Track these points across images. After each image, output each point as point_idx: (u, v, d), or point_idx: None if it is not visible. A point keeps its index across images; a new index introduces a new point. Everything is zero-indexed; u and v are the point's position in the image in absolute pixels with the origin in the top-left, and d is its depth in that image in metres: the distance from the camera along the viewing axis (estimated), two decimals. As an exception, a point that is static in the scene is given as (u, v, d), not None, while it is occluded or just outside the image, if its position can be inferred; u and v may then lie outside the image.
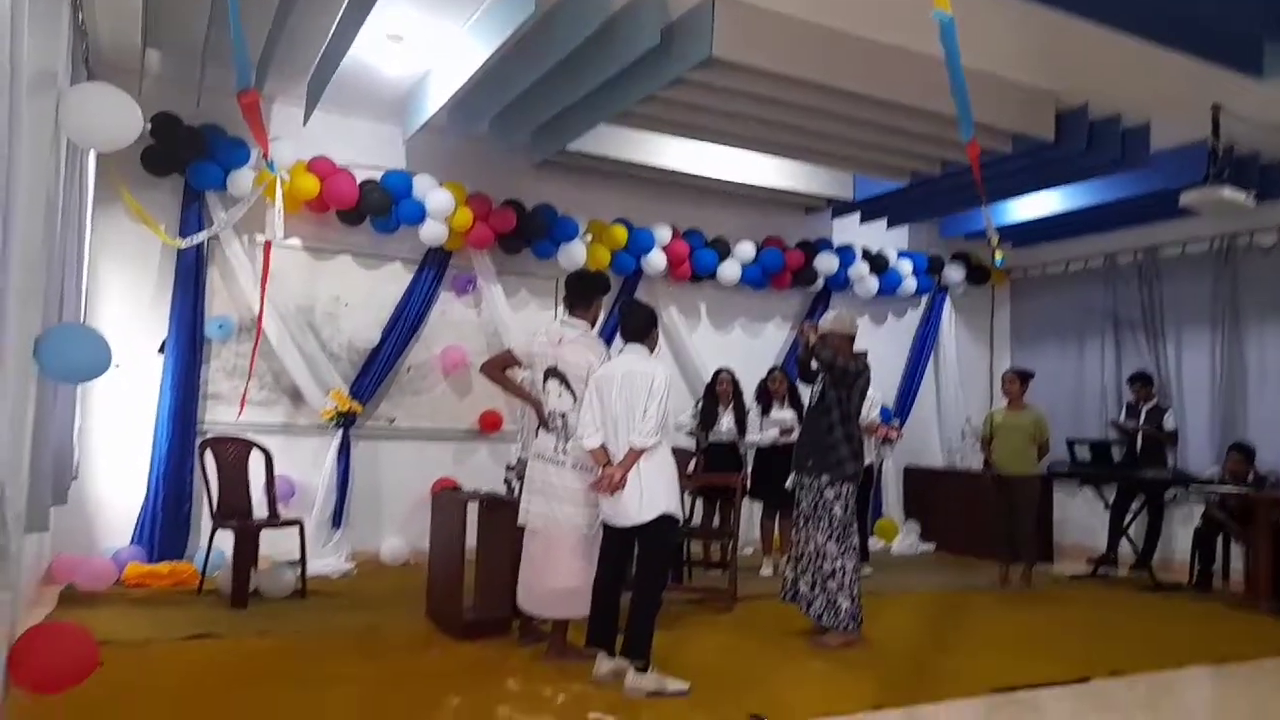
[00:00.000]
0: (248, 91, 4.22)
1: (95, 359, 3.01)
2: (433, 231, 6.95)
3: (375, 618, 5.19)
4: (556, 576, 4.28)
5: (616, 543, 4.16)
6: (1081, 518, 8.54)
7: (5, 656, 2.75)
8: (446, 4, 5.30)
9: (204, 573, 5.71)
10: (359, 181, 6.75)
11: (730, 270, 8.28)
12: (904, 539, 8.71)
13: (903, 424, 9.07)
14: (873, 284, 8.96)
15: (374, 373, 7.04)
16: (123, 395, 6.18)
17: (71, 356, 2.99)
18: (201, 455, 5.86)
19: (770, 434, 6.98)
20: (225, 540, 5.57)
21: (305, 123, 6.33)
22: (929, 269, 9.37)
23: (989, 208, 6.54)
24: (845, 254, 8.79)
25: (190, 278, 6.43)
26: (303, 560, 5.72)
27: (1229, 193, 6.15)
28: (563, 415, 4.39)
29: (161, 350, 6.36)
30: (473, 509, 4.92)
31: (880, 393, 7.77)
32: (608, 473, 4.04)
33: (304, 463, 6.73)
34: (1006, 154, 6.39)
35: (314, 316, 6.96)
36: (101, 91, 3.24)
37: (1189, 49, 4.98)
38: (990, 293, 10.08)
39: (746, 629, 5.22)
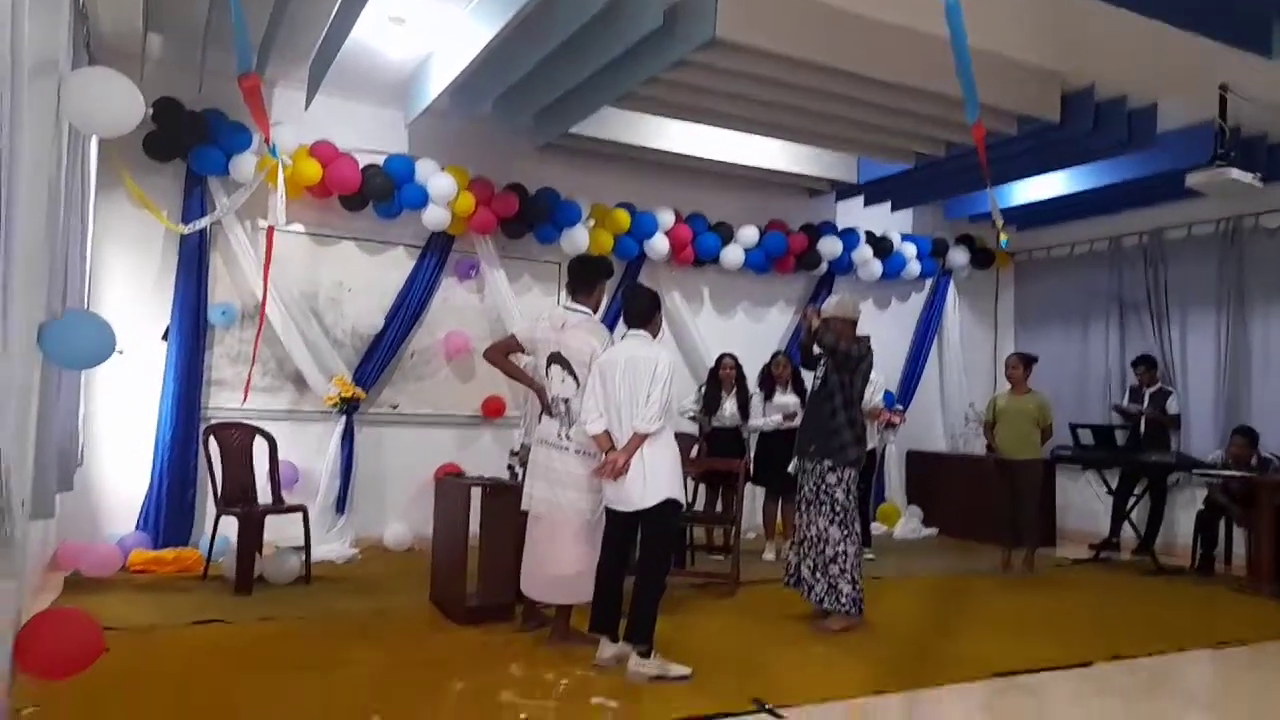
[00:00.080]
0: (249, 75, 4.20)
1: (99, 345, 3.01)
2: (435, 216, 6.94)
3: (379, 603, 5.22)
4: (560, 562, 4.29)
5: (620, 528, 4.17)
6: (1083, 502, 8.55)
7: (12, 643, 2.77)
8: (448, -15, 5.27)
9: (209, 558, 5.73)
10: (361, 166, 6.73)
11: (733, 254, 8.26)
12: (906, 524, 8.72)
13: (906, 408, 9.06)
14: (876, 267, 8.93)
15: (377, 359, 7.04)
16: (127, 381, 6.19)
17: (76, 343, 2.99)
18: (205, 441, 5.87)
19: (773, 419, 6.98)
20: (230, 526, 5.59)
21: (307, 107, 6.30)
22: (933, 252, 9.34)
23: (994, 190, 6.50)
24: (849, 237, 8.76)
25: (193, 263, 6.42)
26: (307, 546, 5.74)
27: (1236, 174, 6.11)
28: (566, 401, 4.39)
29: (165, 337, 6.36)
30: (476, 494, 4.93)
31: (884, 377, 7.77)
32: (611, 458, 4.04)
33: (308, 449, 6.74)
34: (1012, 135, 6.35)
35: (317, 302, 6.96)
36: (103, 76, 3.22)
37: (1197, 28, 4.93)
38: (995, 276, 10.05)
39: (749, 614, 5.23)
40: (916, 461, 9.26)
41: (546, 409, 4.47)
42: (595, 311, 4.60)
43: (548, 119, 6.72)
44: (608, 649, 4.05)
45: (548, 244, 7.57)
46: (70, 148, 4.03)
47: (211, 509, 5.86)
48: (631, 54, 5.33)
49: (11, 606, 2.89)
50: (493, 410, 7.44)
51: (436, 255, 7.26)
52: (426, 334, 7.32)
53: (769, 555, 7.01)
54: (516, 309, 7.38)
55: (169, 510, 6.23)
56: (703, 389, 7.26)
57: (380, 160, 6.87)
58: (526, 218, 7.36)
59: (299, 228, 6.85)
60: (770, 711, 3.57)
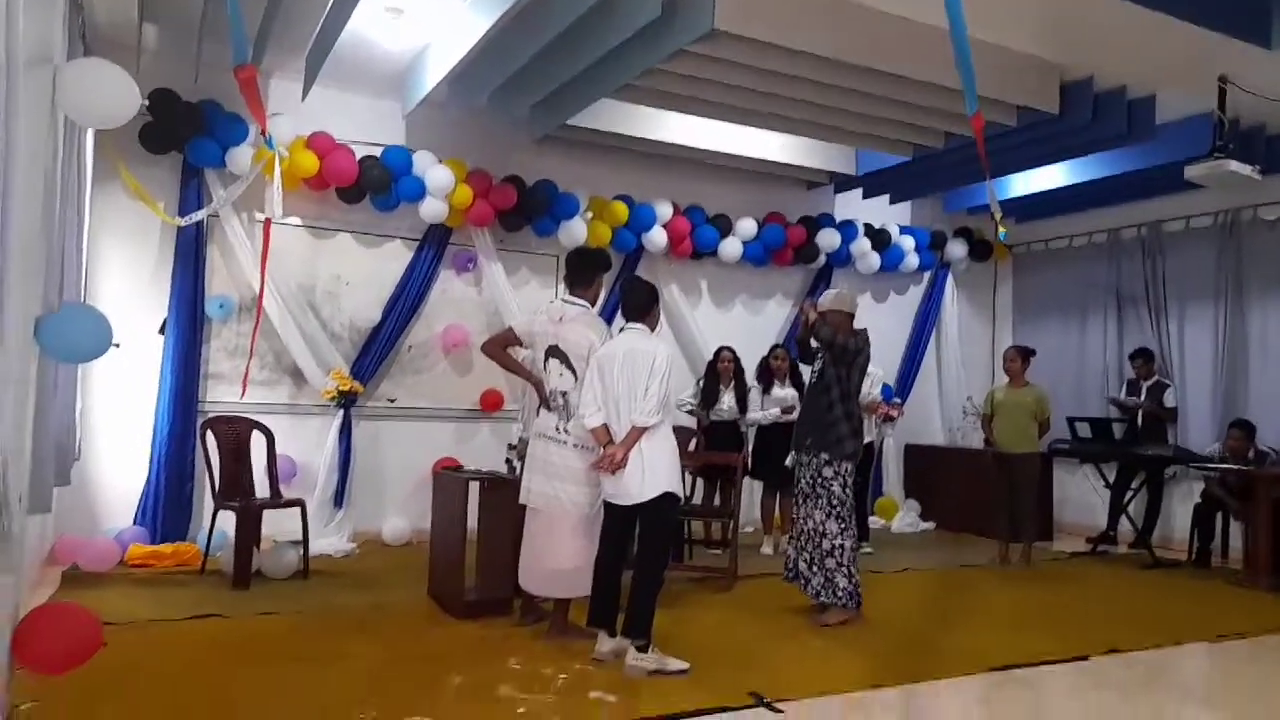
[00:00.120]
0: (245, 67, 4.16)
1: (96, 339, 2.99)
2: (433, 209, 6.91)
3: (377, 597, 5.22)
4: (558, 556, 4.29)
5: (618, 521, 4.17)
6: (1081, 495, 8.56)
7: (9, 637, 2.76)
8: (445, -24, 5.25)
9: (206, 553, 5.73)
10: (358, 158, 6.71)
11: (732, 247, 8.24)
12: (904, 517, 8.73)
13: (904, 401, 9.07)
14: (875, 260, 8.92)
15: (375, 352, 7.03)
16: (123, 375, 6.17)
17: (73, 336, 2.98)
18: (203, 435, 5.85)
19: (771, 412, 6.98)
20: (227, 521, 5.58)
21: (304, 98, 6.26)
22: (931, 245, 9.34)
23: (992, 182, 6.49)
24: (847, 230, 8.75)
25: (190, 256, 6.40)
26: (305, 540, 5.73)
27: (1235, 166, 6.10)
28: (564, 394, 4.38)
29: (162, 331, 6.34)
30: (474, 489, 4.92)
31: (882, 370, 7.77)
32: (609, 452, 4.04)
33: (306, 442, 6.73)
34: (1010, 127, 6.34)
35: (314, 295, 6.94)
36: (98, 67, 3.20)
37: (1196, 18, 4.92)
38: (993, 268, 10.05)
39: (747, 608, 5.24)
40: (914, 455, 9.26)
41: (544, 402, 4.47)
42: (593, 304, 4.59)
43: (545, 111, 6.70)
44: (606, 643, 4.05)
45: (546, 236, 7.55)
46: (66, 139, 4.01)
47: (209, 503, 5.86)
48: (629, 45, 5.31)
49: (9, 601, 2.88)
50: (491, 404, 7.43)
51: (434, 248, 7.24)
52: (424, 327, 7.30)
53: (767, 549, 7.01)
54: (514, 302, 7.37)
55: (167, 505, 6.22)
56: (701, 383, 7.25)
57: (377, 152, 6.85)
58: (524, 210, 7.34)
59: (296, 220, 6.83)
60: (768, 705, 3.57)
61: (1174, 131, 6.75)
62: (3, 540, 2.55)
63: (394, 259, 7.19)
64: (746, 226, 8.28)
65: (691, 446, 6.79)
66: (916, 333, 9.56)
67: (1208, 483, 7.22)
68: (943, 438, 9.57)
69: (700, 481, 6.96)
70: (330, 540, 6.53)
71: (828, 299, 5.18)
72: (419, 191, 6.85)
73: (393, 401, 7.20)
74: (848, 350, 4.93)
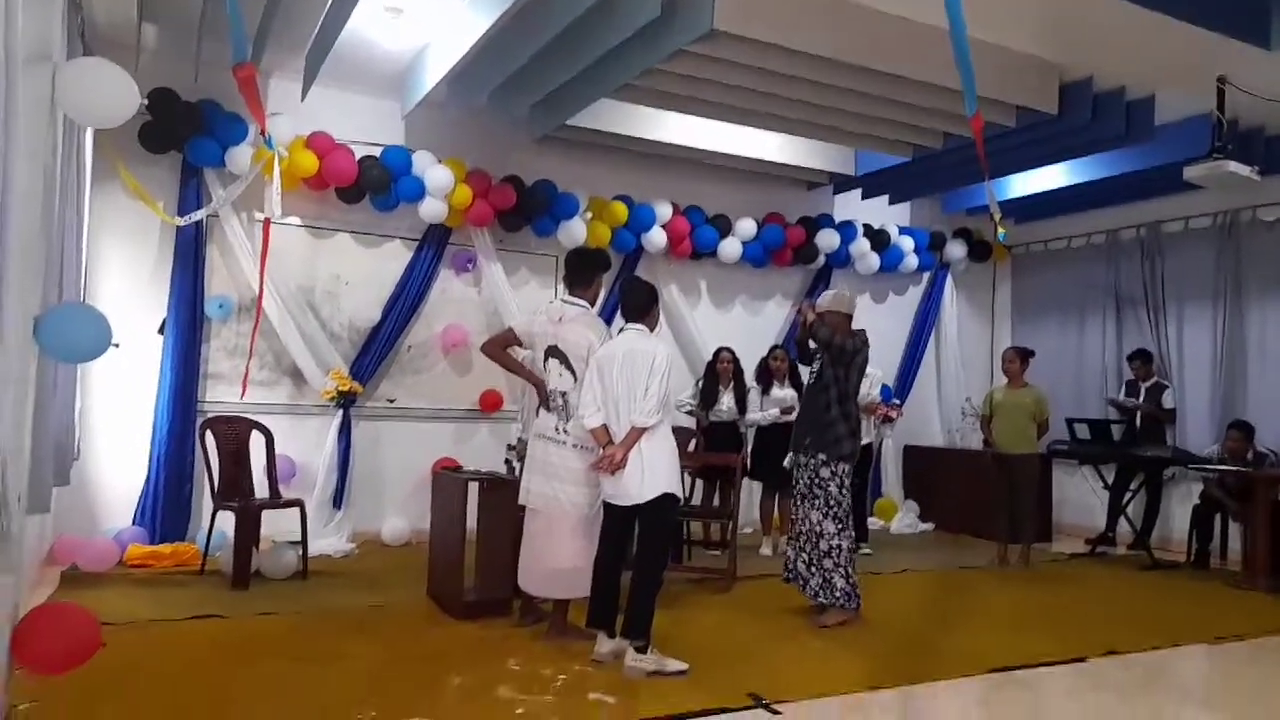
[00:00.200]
0: (244, 66, 4.17)
1: (96, 338, 2.99)
2: (432, 209, 6.91)
3: (377, 598, 5.21)
4: (557, 556, 4.28)
5: (617, 522, 4.17)
6: (1080, 497, 8.56)
7: (9, 638, 2.76)
8: (445, -24, 5.25)
9: (206, 553, 5.72)
10: (358, 158, 6.70)
11: (731, 247, 8.24)
12: (903, 518, 8.73)
13: (903, 402, 9.07)
14: (874, 261, 8.92)
15: (374, 352, 7.02)
16: (123, 375, 6.17)
17: (72, 336, 2.97)
18: (202, 435, 5.85)
19: (771, 413, 6.97)
20: (226, 521, 5.57)
21: (304, 98, 6.26)
22: (931, 245, 9.34)
23: (992, 183, 6.50)
24: (847, 230, 8.75)
25: (189, 256, 6.39)
26: (304, 541, 5.73)
27: (1234, 167, 6.11)
28: (563, 394, 4.38)
29: (161, 331, 6.34)
30: (473, 489, 4.91)
31: (881, 371, 7.77)
32: (609, 452, 4.03)
33: (305, 443, 6.73)
34: (1010, 128, 6.34)
35: (314, 296, 6.94)
36: (97, 67, 3.20)
37: (1195, 19, 4.92)
38: (992, 269, 10.05)
39: (745, 609, 5.23)
40: (913, 456, 9.26)
41: (544, 403, 4.46)
42: (593, 304, 4.59)
43: (545, 111, 6.70)
44: (605, 644, 4.05)
45: (545, 237, 7.55)
46: (65, 139, 4.01)
47: (208, 504, 5.85)
48: (629, 45, 5.31)
49: (8, 601, 2.88)
50: (490, 404, 7.43)
51: (433, 248, 7.24)
52: (424, 327, 7.30)
53: (766, 550, 7.01)
54: (514, 302, 7.36)
55: (166, 505, 6.22)
56: (700, 383, 7.25)
57: (377, 152, 6.85)
58: (524, 210, 7.33)
59: (295, 220, 6.83)
60: (767, 707, 3.57)
61: (1173, 132, 6.75)
62: (2, 540, 2.55)
63: (393, 259, 7.19)
64: (746, 227, 8.28)
65: (691, 447, 6.79)
66: (915, 333, 9.57)
67: (1206, 484, 7.22)
68: (942, 439, 9.57)
69: (699, 482, 6.96)
70: (329, 541, 6.52)
71: (826, 300, 5.18)
72: (418, 191, 6.85)
73: (392, 402, 7.20)
74: (846, 351, 4.93)
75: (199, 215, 6.30)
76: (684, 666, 3.93)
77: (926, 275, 9.62)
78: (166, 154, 6.32)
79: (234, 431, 5.94)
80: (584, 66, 5.68)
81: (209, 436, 5.81)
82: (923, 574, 6.62)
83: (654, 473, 4.04)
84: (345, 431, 6.84)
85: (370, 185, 6.76)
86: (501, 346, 4.73)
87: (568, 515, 4.29)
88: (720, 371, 7.07)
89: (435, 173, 6.83)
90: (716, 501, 6.96)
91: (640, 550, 4.14)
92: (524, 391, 6.95)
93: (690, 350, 8.18)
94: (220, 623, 4.60)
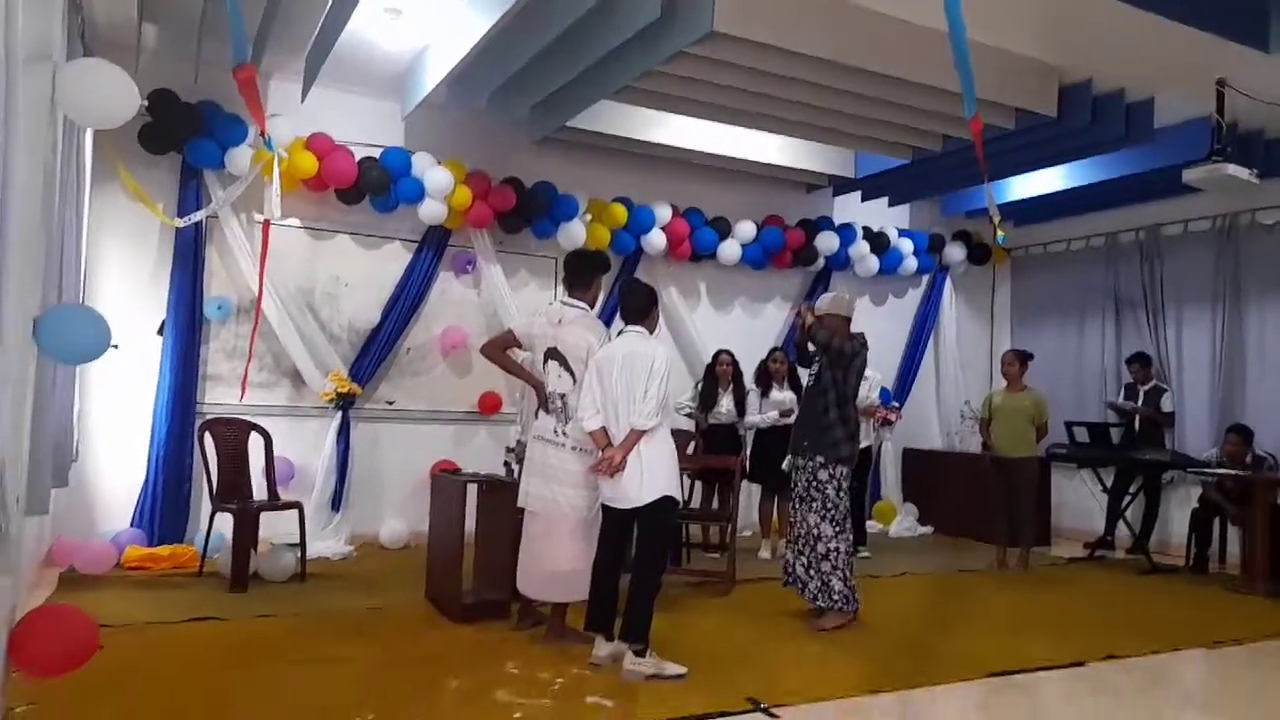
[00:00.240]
0: (244, 67, 4.17)
1: (95, 339, 2.99)
2: (432, 210, 6.91)
3: (374, 600, 5.20)
4: (556, 559, 4.28)
5: (616, 525, 4.16)
6: (1078, 500, 8.56)
7: (6, 639, 2.75)
8: (445, -23, 5.25)
9: (204, 555, 5.71)
10: (357, 159, 6.70)
11: (730, 250, 8.24)
12: (902, 521, 8.72)
13: (902, 405, 9.07)
14: (873, 263, 8.93)
15: (373, 354, 7.02)
16: (122, 376, 6.16)
17: (71, 337, 2.97)
18: (201, 437, 5.84)
19: (770, 415, 6.97)
20: (225, 523, 5.57)
21: (303, 99, 6.26)
22: (930, 248, 9.34)
23: (991, 185, 6.50)
24: (846, 233, 8.75)
25: (189, 257, 6.39)
26: (302, 543, 5.72)
27: (1233, 170, 6.12)
28: (562, 396, 4.38)
29: (160, 332, 6.33)
30: (472, 491, 4.91)
31: (880, 373, 7.76)
32: (608, 455, 4.03)
33: (304, 445, 6.72)
34: (1009, 130, 6.34)
35: (313, 297, 6.93)
36: (97, 67, 3.20)
37: (1194, 21, 4.92)
38: (991, 272, 10.05)
39: (744, 612, 5.23)
40: (912, 459, 9.26)
41: (543, 405, 4.46)
42: (592, 306, 4.59)
43: (545, 112, 6.71)
44: (603, 647, 4.05)
45: (545, 238, 7.55)
46: (65, 139, 4.00)
47: (207, 505, 5.83)
48: (629, 47, 5.31)
49: (6, 603, 2.88)
50: (489, 406, 7.42)
51: (433, 249, 7.24)
52: (423, 329, 7.29)
53: (764, 553, 7.01)
54: (513, 304, 7.36)
55: (164, 507, 6.21)
56: (699, 385, 7.25)
57: (376, 153, 6.84)
58: (523, 212, 7.33)
59: (295, 221, 6.82)
60: (765, 710, 3.56)
61: (1172, 135, 6.76)
62: (0, 542, 2.54)
63: (393, 260, 7.19)
64: (745, 229, 8.28)
65: (690, 449, 6.79)
66: (915, 336, 9.57)
67: (1205, 488, 7.22)
68: (940, 442, 9.57)
69: (698, 485, 6.95)
70: (328, 543, 6.52)
71: (824, 302, 5.18)
72: (418, 193, 6.85)
73: (391, 404, 7.19)
74: (844, 354, 4.93)
75: (198, 216, 6.29)
76: (682, 670, 3.92)
77: (926, 278, 9.63)
78: (166, 155, 6.32)
79: (233, 433, 5.93)
80: (584, 68, 5.69)
81: (208, 438, 5.80)
82: (921, 577, 6.62)
83: (653, 475, 4.03)
84: (344, 433, 6.83)
85: (370, 187, 6.76)
86: (501, 348, 4.72)
87: (566, 518, 4.28)
88: (719, 374, 7.06)
89: (435, 174, 6.83)
90: (715, 504, 6.95)
91: (639, 553, 4.13)
92: (523, 394, 6.94)
93: (689, 352, 8.18)
94: (218, 625, 4.59)
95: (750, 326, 8.63)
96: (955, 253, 9.48)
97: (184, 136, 6.24)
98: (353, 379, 6.82)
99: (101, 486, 6.18)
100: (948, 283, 9.66)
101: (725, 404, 7.02)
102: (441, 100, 6.60)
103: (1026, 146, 6.91)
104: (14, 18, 2.43)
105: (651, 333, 4.33)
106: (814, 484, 4.95)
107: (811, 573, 4.94)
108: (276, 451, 6.07)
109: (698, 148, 7.50)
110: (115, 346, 3.18)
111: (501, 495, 4.79)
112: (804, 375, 5.59)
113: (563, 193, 7.47)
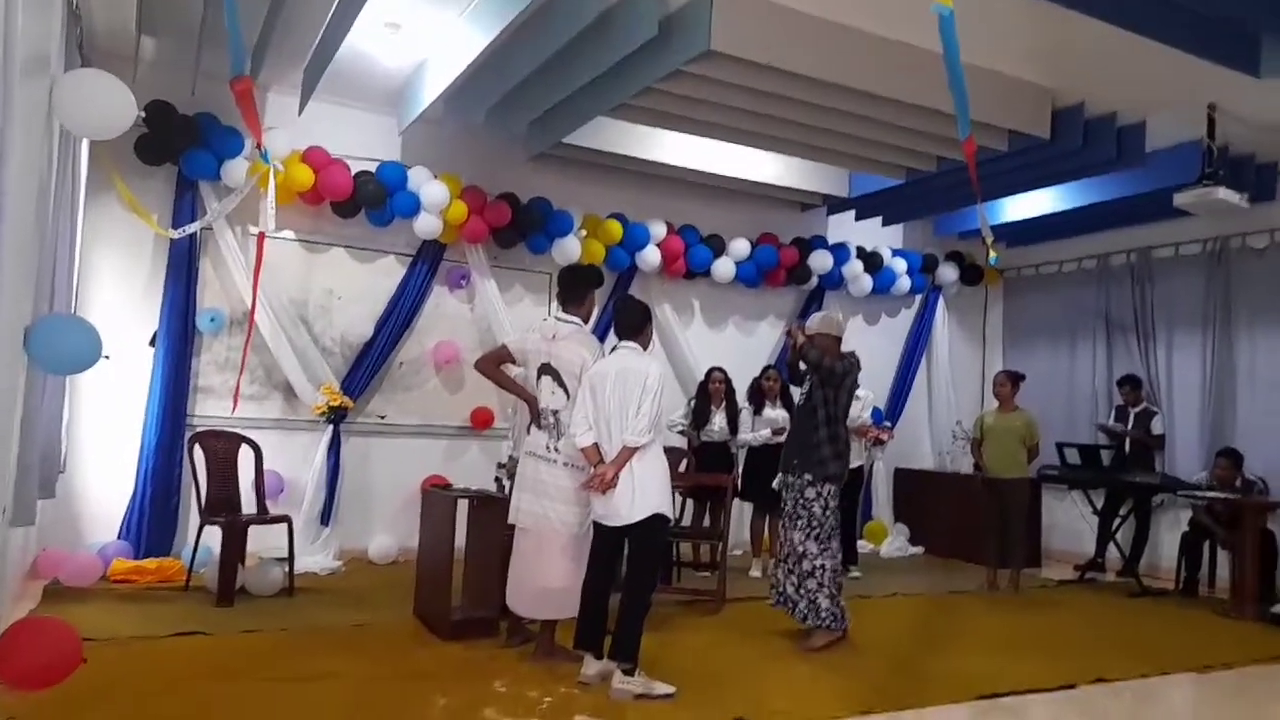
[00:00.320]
0: (242, 79, 4.18)
1: (86, 350, 2.98)
2: (427, 224, 6.91)
3: (362, 616, 5.17)
4: (547, 576, 4.25)
5: (607, 543, 4.14)
6: (1069, 522, 8.56)
7: (-12, 653, 2.73)
8: (444, -8, 5.27)
9: (191, 569, 5.67)
10: (354, 173, 6.71)
11: (724, 267, 8.26)
12: (893, 542, 8.70)
13: (894, 425, 9.06)
14: (867, 282, 8.95)
15: (366, 367, 6.99)
16: (112, 387, 6.13)
17: (62, 347, 2.97)
18: (190, 450, 5.81)
19: (762, 433, 6.97)
20: (213, 536, 5.53)
21: (300, 112, 6.28)
22: (923, 268, 9.37)
23: (984, 206, 6.53)
24: (840, 252, 8.78)
25: (182, 268, 6.37)
26: (290, 557, 5.68)
27: (1224, 193, 6.16)
28: (555, 412, 4.36)
29: (152, 343, 6.31)
30: (463, 507, 4.89)
31: (872, 393, 7.76)
32: (600, 471, 4.02)
33: (294, 458, 6.69)
34: (1002, 151, 6.38)
35: (307, 310, 6.92)
36: (95, 78, 3.21)
37: (1186, 46, 4.97)
38: (983, 292, 10.08)
39: (735, 631, 5.21)
40: (904, 479, 9.25)
41: (536, 420, 4.45)
42: (586, 321, 4.59)
43: (541, 128, 6.73)
44: (592, 666, 4.02)
45: (539, 254, 7.55)
46: (61, 149, 4.00)
47: (195, 518, 5.80)
48: (626, 64, 5.34)
49: (-12, 616, 2.85)
50: (481, 421, 7.40)
51: (428, 264, 7.23)
52: (416, 343, 7.28)
53: (755, 572, 6.98)
54: (507, 319, 7.35)
55: (152, 519, 6.16)
56: (692, 403, 7.24)
57: (373, 167, 6.85)
58: (518, 227, 7.34)
59: (290, 234, 6.82)
60: (756, 730, 3.55)
61: (1164, 158, 6.81)
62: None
63: (387, 274, 7.18)
64: (739, 247, 8.30)
65: (682, 467, 6.77)
66: (907, 356, 9.58)
67: (1195, 511, 7.22)
68: (932, 462, 9.56)
69: (690, 502, 6.93)
70: (316, 558, 6.48)
71: (815, 321, 5.20)
72: (413, 207, 6.85)
73: (383, 418, 7.17)
74: (835, 373, 4.94)
75: (193, 228, 6.29)
76: (671, 689, 3.90)
77: (918, 298, 9.65)
78: (162, 166, 6.31)
79: (223, 446, 5.90)
80: (581, 85, 5.71)
81: (197, 450, 5.77)
82: (912, 598, 6.60)
83: (645, 493, 4.02)
84: (335, 447, 6.81)
85: (365, 200, 6.77)
86: (496, 364, 4.70)
87: (558, 534, 4.27)
88: (712, 391, 7.06)
89: (431, 188, 6.84)
90: (707, 522, 6.93)
91: (630, 571, 4.11)
92: (515, 409, 6.89)
93: (682, 370, 8.18)
94: (203, 640, 4.55)
95: (743, 344, 8.64)
96: (948, 273, 9.51)
97: (180, 148, 6.24)
98: (345, 392, 6.80)
99: (89, 498, 6.14)
100: (940, 303, 9.69)
101: (718, 422, 7.01)
102: (438, 115, 6.62)
103: (1019, 168, 6.96)
104: (13, 28, 2.43)
105: (645, 349, 4.33)
106: (800, 502, 4.95)
107: (800, 592, 4.93)
108: (266, 465, 6.04)
109: (693, 165, 7.52)
110: (106, 357, 3.17)
111: (492, 511, 4.77)
112: (797, 394, 5.60)
113: (558, 208, 7.48)
